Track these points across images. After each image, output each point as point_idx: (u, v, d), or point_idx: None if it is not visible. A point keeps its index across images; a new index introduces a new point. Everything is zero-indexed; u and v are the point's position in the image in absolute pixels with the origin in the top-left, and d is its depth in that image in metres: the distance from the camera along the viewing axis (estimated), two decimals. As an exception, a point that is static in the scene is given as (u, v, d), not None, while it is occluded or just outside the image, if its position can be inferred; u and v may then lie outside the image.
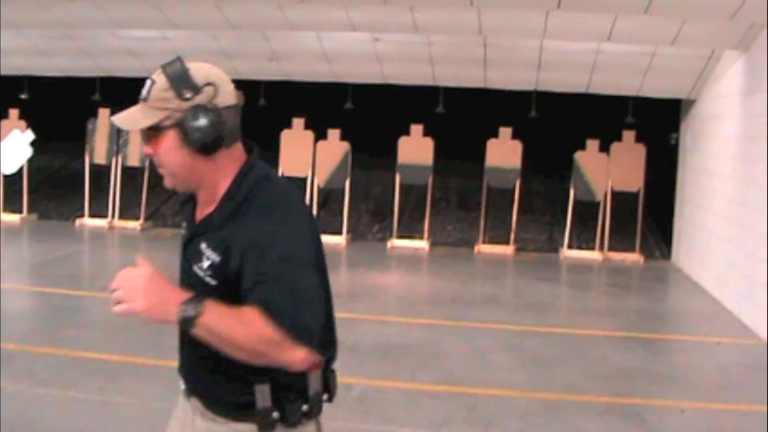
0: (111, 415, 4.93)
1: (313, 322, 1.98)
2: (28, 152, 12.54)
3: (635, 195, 11.41)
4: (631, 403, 5.59)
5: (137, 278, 1.95)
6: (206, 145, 2.04)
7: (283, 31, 10.05)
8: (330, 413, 4.96)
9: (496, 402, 5.53)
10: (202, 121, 2.02)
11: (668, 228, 11.86)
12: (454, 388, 5.77)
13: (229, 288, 2.01)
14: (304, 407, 2.14)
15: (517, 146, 11.61)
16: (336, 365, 2.28)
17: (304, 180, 11.58)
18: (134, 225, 12.20)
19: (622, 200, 11.47)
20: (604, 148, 11.45)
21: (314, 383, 2.15)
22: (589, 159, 11.49)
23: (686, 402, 5.66)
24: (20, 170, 12.52)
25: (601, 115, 11.70)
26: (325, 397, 2.21)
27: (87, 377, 5.55)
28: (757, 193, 7.81)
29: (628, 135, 11.48)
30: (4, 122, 12.57)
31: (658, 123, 11.96)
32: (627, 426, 5.15)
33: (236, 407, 2.12)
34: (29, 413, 4.92)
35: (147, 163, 12.18)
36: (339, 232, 11.58)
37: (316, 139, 11.73)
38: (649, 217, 12.28)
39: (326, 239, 11.68)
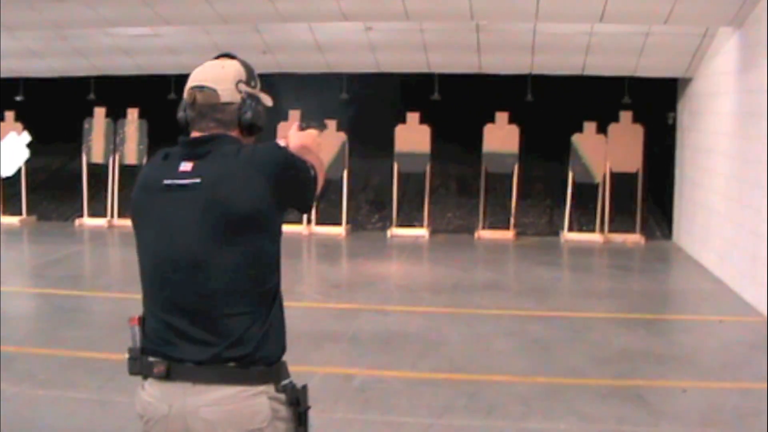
0: (111, 414, 4.91)
1: None
2: (25, 154, 12.53)
3: (634, 176, 11.37)
4: (633, 385, 5.58)
5: None
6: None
7: (275, 23, 10.01)
8: (331, 405, 4.96)
9: (497, 388, 5.52)
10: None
11: (668, 208, 11.83)
12: (455, 376, 5.75)
13: None
14: (127, 355, 2.36)
15: (514, 131, 11.57)
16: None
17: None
18: (134, 223, 12.15)
19: (621, 181, 11.42)
20: (602, 129, 11.42)
21: (134, 337, 2.35)
22: (587, 141, 11.45)
23: (688, 381, 5.65)
24: (18, 172, 12.51)
25: (597, 97, 11.64)
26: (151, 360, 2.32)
27: (87, 377, 5.54)
28: (755, 169, 7.77)
29: (626, 116, 11.44)
30: (1, 125, 12.56)
31: (655, 103, 11.90)
32: (629, 408, 5.13)
33: None
34: (29, 414, 4.92)
35: (144, 161, 12.16)
36: (338, 223, 11.56)
37: (313, 131, 11.67)
38: (649, 198, 12.24)
39: (326, 230, 11.73)
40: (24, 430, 4.68)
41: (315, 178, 2.49)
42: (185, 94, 2.39)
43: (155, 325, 2.32)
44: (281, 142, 2.62)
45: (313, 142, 2.68)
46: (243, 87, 2.39)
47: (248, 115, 2.38)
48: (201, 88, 2.36)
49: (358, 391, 5.37)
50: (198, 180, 2.28)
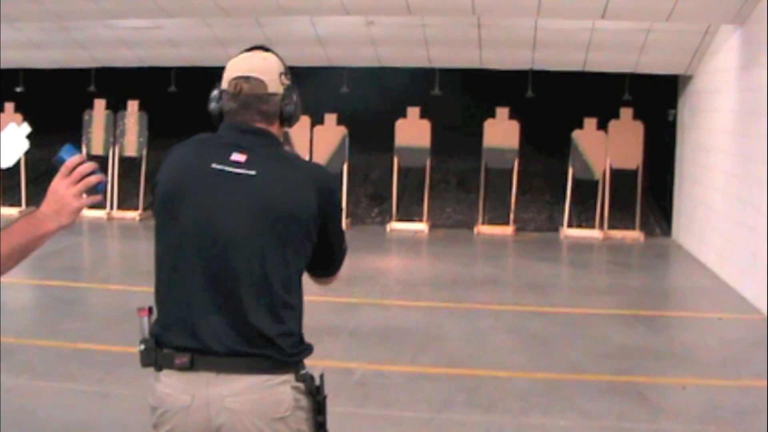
0: (111, 406, 4.91)
1: None
2: (25, 145, 12.48)
3: (634, 172, 11.37)
4: (632, 381, 5.58)
5: None
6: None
7: (276, 16, 9.99)
8: (330, 398, 4.94)
9: (496, 383, 5.52)
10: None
11: (668, 205, 11.83)
12: (455, 371, 5.75)
13: None
14: (141, 347, 2.31)
15: (514, 126, 11.57)
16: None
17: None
18: (133, 215, 12.17)
19: (621, 178, 11.43)
20: (602, 126, 11.42)
21: (142, 328, 2.32)
22: (587, 137, 11.45)
23: (688, 378, 5.65)
24: (18, 164, 12.48)
25: (598, 93, 11.64)
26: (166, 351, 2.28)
27: (86, 369, 5.54)
28: (756, 167, 7.77)
29: (626, 112, 11.44)
30: (1, 116, 12.54)
31: (656, 100, 11.90)
32: (629, 404, 5.14)
33: None
34: (29, 406, 4.90)
35: (144, 153, 12.16)
36: (338, 217, 11.53)
37: (313, 124, 11.68)
38: (649, 195, 12.25)
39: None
40: (23, 422, 4.67)
41: (344, 251, 2.54)
42: (225, 85, 2.33)
43: (176, 314, 2.26)
44: None
45: None
46: (284, 79, 2.35)
47: (290, 107, 2.34)
48: (247, 78, 2.31)
49: (358, 385, 5.37)
50: (253, 173, 2.24)
